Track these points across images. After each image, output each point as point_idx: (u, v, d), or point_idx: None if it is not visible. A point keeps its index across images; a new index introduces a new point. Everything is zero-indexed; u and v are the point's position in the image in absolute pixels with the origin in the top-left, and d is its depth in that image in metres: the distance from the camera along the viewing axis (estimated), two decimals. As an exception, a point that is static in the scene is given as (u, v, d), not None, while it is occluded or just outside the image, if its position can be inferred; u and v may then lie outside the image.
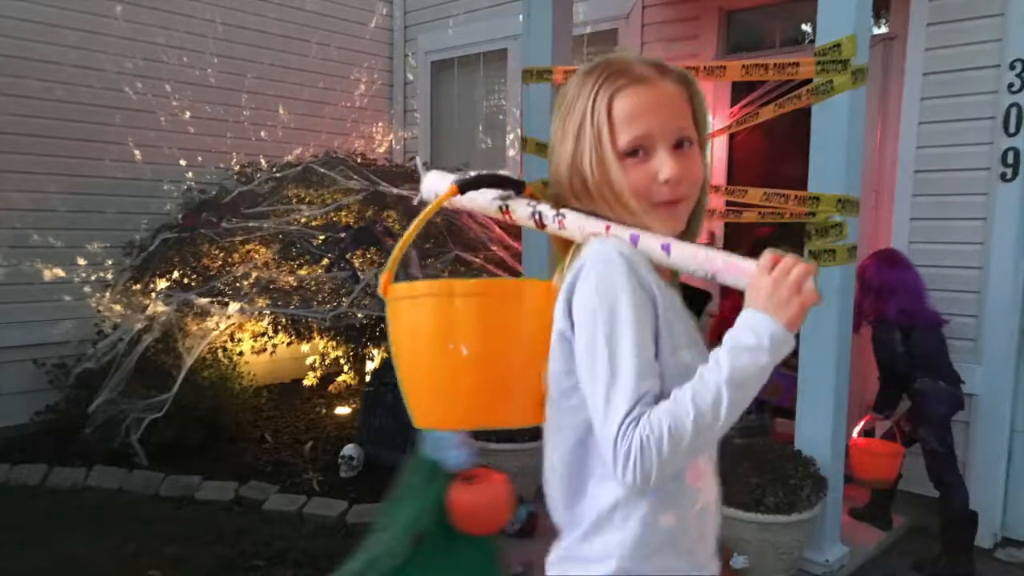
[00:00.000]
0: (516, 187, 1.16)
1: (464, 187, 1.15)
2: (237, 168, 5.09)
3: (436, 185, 1.21)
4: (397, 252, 1.11)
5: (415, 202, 1.18)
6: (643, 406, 0.92)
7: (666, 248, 1.03)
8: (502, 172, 1.18)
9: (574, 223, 1.07)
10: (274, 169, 4.84)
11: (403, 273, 3.85)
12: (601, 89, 1.03)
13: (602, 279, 0.97)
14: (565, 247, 1.10)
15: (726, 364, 0.93)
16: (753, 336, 0.94)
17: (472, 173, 1.17)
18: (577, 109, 1.05)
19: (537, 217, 1.11)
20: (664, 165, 1.02)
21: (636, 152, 1.02)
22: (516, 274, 4.08)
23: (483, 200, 1.17)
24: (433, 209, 1.15)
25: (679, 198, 1.05)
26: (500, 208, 1.15)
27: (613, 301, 0.95)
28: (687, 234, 1.10)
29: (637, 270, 0.98)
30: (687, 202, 1.07)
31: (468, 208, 1.20)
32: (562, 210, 1.08)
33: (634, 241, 1.03)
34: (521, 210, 1.13)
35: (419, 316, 1.05)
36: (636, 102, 1.02)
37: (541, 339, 1.04)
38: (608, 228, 1.04)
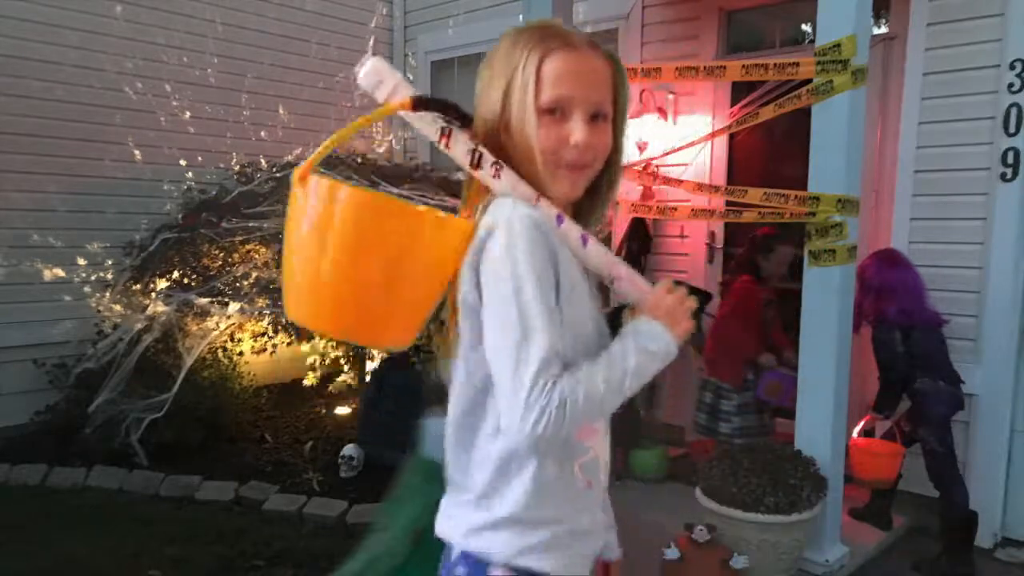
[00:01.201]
0: (465, 122, 1.13)
1: (419, 104, 1.08)
2: (237, 168, 5.08)
3: (384, 79, 1.10)
4: (323, 149, 1.09)
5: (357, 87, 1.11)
6: (556, 366, 1.01)
7: (583, 239, 1.11)
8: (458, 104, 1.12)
9: (508, 181, 1.08)
10: (274, 169, 4.83)
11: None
12: (535, 48, 1.10)
13: (512, 240, 1.02)
14: (481, 193, 1.14)
15: (633, 358, 1.07)
16: (654, 343, 1.09)
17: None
18: (508, 64, 1.11)
19: (475, 157, 1.09)
20: (577, 129, 1.08)
21: (554, 112, 1.08)
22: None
23: (426, 122, 1.11)
24: (382, 115, 1.10)
25: (584, 164, 1.11)
26: (441, 130, 1.10)
27: (523, 263, 1.01)
28: (587, 209, 1.19)
29: (543, 231, 1.05)
30: (588, 171, 1.13)
31: (411, 121, 1.13)
32: (500, 162, 1.09)
33: (558, 221, 1.08)
34: (461, 144, 1.10)
35: (303, 209, 1.07)
36: (564, 66, 1.08)
37: (435, 273, 1.06)
38: (538, 199, 1.08)
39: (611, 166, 1.17)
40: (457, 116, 1.11)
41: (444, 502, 1.24)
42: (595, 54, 1.11)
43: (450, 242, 1.06)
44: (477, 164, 1.09)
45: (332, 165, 4.64)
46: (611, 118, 1.13)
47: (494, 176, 1.08)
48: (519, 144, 1.10)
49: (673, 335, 1.11)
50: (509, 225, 1.02)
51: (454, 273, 1.08)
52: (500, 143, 1.11)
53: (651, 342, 1.09)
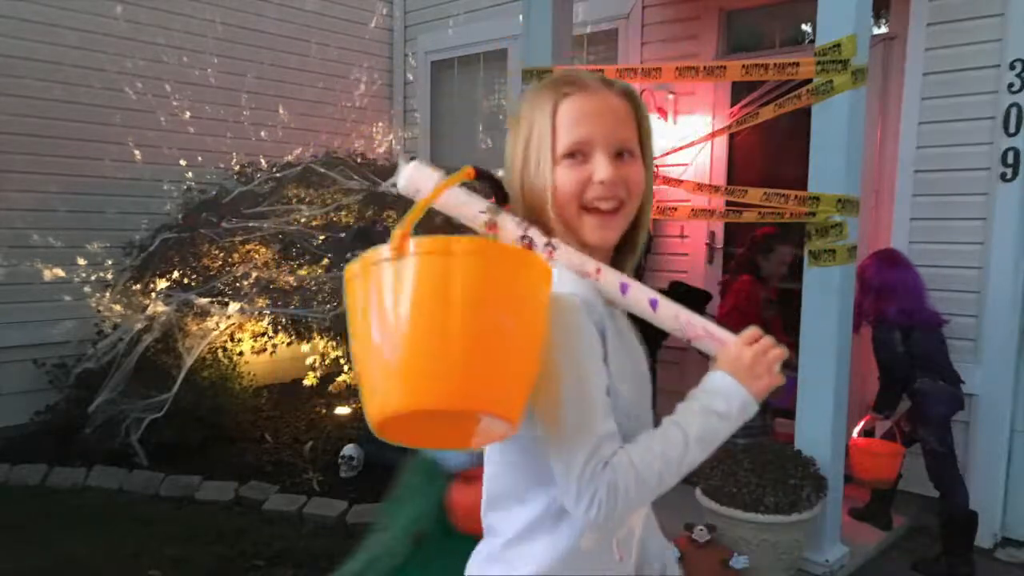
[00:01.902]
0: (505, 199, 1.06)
1: (482, 176, 1.02)
2: (237, 168, 5.08)
3: (420, 178, 1.05)
4: (412, 216, 0.92)
5: (386, 188, 1.08)
6: (608, 447, 0.95)
7: (652, 303, 1.04)
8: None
9: (563, 258, 1.01)
10: (274, 169, 4.84)
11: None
12: (548, 97, 1.06)
13: (562, 324, 0.95)
14: None
15: (696, 424, 0.99)
16: (724, 402, 1.00)
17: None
18: (527, 119, 1.07)
19: (526, 242, 1.01)
20: (600, 167, 1.03)
21: (575, 156, 1.04)
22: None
23: (470, 208, 1.04)
24: (441, 191, 1.00)
25: (614, 201, 1.04)
26: (486, 223, 1.03)
27: (575, 349, 0.96)
28: (625, 252, 1.12)
29: (592, 312, 0.99)
30: (623, 212, 1.06)
31: (449, 212, 1.05)
32: (553, 240, 1.02)
33: (623, 291, 1.02)
34: (509, 228, 1.02)
35: (410, 275, 0.85)
36: (578, 107, 1.04)
37: (537, 322, 0.91)
38: (599, 271, 1.02)
39: (644, 206, 1.10)
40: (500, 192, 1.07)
41: (479, 554, 1.16)
42: (610, 92, 1.06)
43: (543, 287, 0.94)
44: (529, 248, 1.01)
45: (333, 165, 4.64)
46: (638, 153, 1.07)
47: (548, 258, 1.00)
48: (541, 193, 1.05)
49: (751, 392, 1.01)
50: (558, 309, 0.95)
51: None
52: (535, 203, 1.07)
53: (721, 402, 1.00)
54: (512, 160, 1.09)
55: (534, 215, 1.06)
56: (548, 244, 1.01)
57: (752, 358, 1.03)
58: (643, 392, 1.09)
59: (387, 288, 0.85)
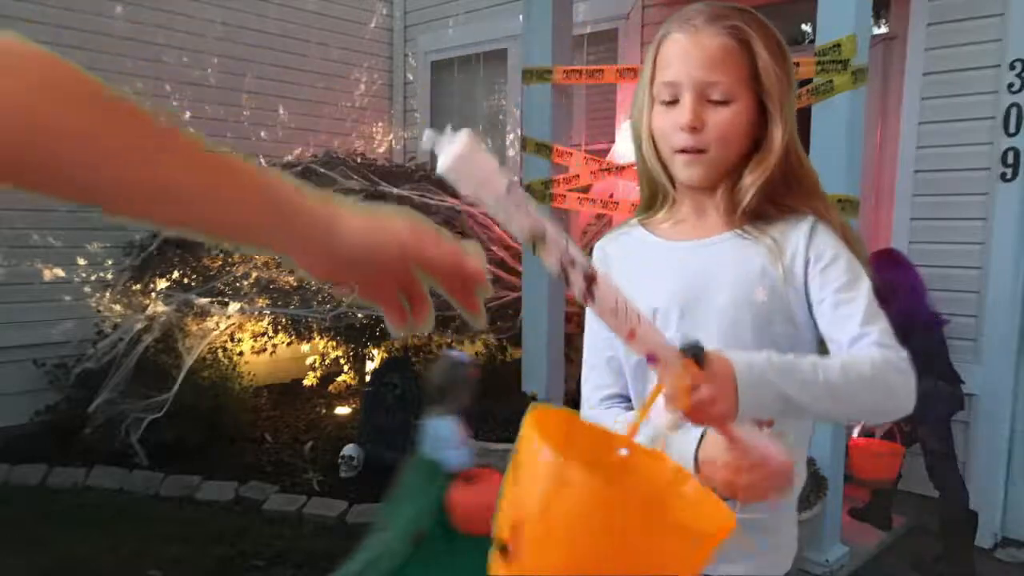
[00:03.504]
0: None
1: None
2: (237, 168, 5.08)
3: (476, 167, 0.73)
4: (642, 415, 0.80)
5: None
6: (588, 400, 1.14)
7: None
8: None
9: (603, 298, 0.77)
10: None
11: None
12: (658, 35, 1.09)
13: None
14: None
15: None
16: None
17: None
18: (646, 57, 1.12)
19: (563, 276, 0.76)
20: (684, 112, 1.04)
21: (670, 100, 1.06)
22: (516, 274, 4.07)
23: (519, 220, 0.74)
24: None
25: (699, 148, 1.05)
26: (530, 239, 0.75)
27: None
28: (728, 198, 1.08)
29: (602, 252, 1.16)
30: (710, 156, 1.05)
31: (497, 217, 0.75)
32: (598, 276, 0.76)
33: (649, 360, 0.80)
34: (553, 254, 0.75)
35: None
36: (672, 49, 1.06)
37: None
38: (632, 333, 0.78)
39: (761, 151, 1.06)
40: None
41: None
42: (711, 30, 1.03)
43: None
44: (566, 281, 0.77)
45: (333, 165, 4.64)
46: (744, 97, 1.04)
47: (585, 301, 0.77)
48: (636, 137, 1.11)
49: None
50: None
51: None
52: (634, 141, 1.14)
53: None
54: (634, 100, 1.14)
55: (643, 163, 1.12)
56: (588, 289, 0.75)
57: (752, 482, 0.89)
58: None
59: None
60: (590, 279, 0.75)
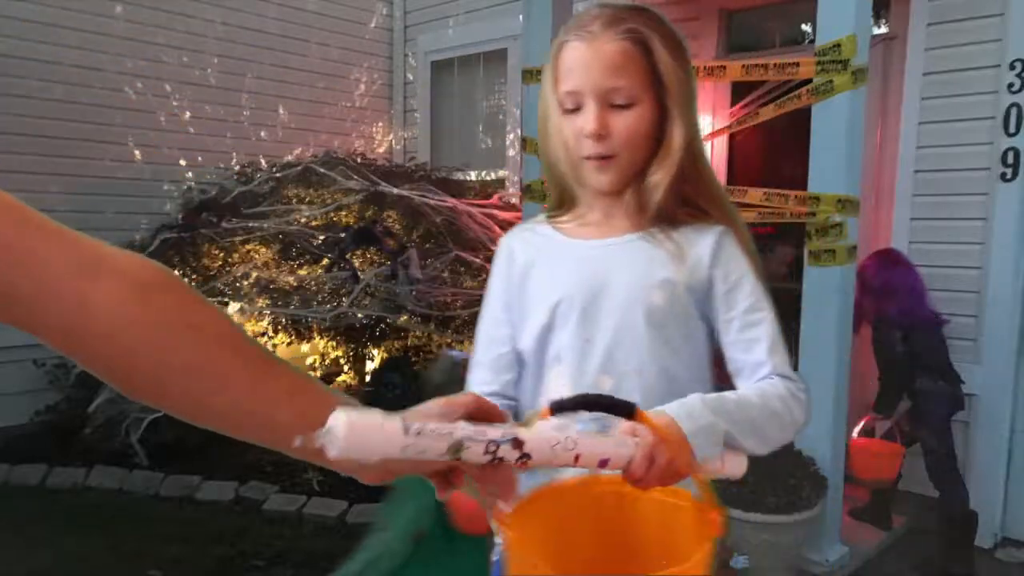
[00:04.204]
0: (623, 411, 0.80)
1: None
2: (237, 168, 5.08)
3: (362, 438, 0.68)
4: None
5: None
6: (474, 374, 1.18)
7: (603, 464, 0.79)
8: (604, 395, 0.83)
9: (540, 458, 0.73)
10: (274, 169, 4.84)
11: (404, 274, 3.85)
12: (555, 45, 1.10)
13: None
14: None
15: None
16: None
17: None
18: (545, 68, 1.11)
19: (496, 461, 0.72)
20: (587, 119, 1.04)
21: (571, 107, 1.06)
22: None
23: (432, 452, 0.69)
24: None
25: (605, 154, 1.05)
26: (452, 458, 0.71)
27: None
28: (636, 200, 1.09)
29: (511, 258, 1.16)
30: (619, 161, 1.06)
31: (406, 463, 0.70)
32: (525, 443, 0.72)
33: (601, 465, 0.78)
34: (476, 452, 0.71)
35: None
36: (571, 57, 1.06)
37: None
38: (577, 459, 0.75)
39: (663, 150, 1.06)
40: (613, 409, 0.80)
41: None
42: (608, 35, 1.03)
43: None
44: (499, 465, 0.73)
45: (333, 165, 4.64)
46: (646, 100, 1.04)
47: (521, 469, 0.74)
48: (551, 151, 1.10)
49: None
50: None
51: None
52: (542, 156, 1.14)
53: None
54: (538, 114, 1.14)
55: (550, 169, 1.12)
56: (522, 454, 0.72)
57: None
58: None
59: None
60: (519, 444, 0.73)
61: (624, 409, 0.78)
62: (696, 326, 1.08)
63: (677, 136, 1.05)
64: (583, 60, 1.04)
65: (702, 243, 1.07)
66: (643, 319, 1.05)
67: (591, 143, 1.04)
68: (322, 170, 4.55)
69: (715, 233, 1.07)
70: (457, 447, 0.71)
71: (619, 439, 0.79)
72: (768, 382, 1.02)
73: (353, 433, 0.68)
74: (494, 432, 0.72)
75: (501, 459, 0.72)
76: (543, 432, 0.74)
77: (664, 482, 0.81)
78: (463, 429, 0.71)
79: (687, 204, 1.09)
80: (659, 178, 1.06)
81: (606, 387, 1.05)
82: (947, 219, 3.53)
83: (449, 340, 4.09)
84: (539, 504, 0.84)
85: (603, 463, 0.78)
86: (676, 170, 1.06)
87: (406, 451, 0.69)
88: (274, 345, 4.61)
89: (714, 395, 0.95)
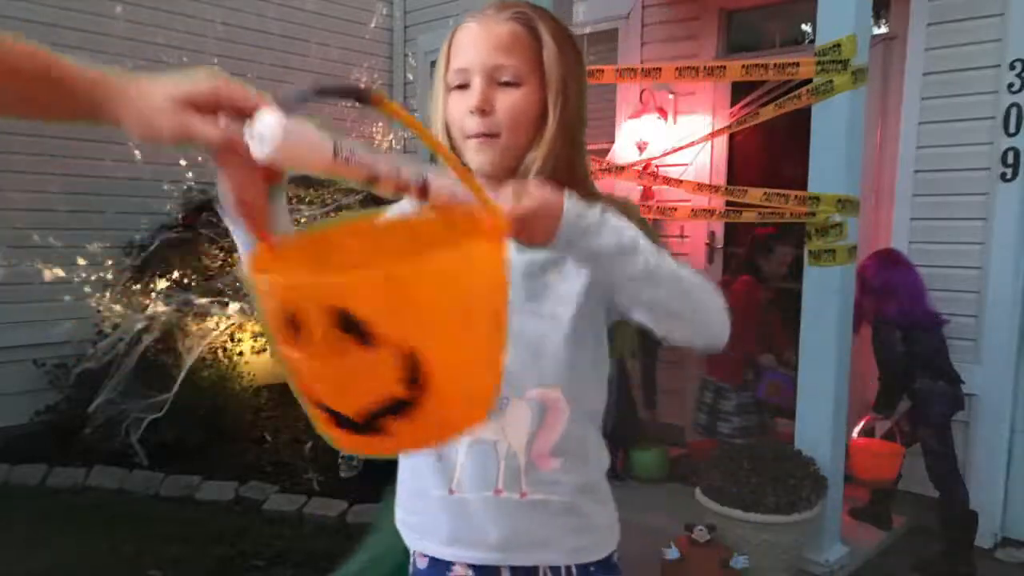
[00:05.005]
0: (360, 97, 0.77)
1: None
2: (237, 168, 5.08)
3: (294, 140, 0.74)
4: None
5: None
6: None
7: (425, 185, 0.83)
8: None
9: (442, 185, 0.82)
10: (274, 169, 4.83)
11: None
12: (451, 31, 1.08)
13: None
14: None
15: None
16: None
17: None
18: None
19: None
20: (473, 95, 1.03)
21: (459, 85, 1.05)
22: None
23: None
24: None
25: (489, 131, 1.03)
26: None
27: None
28: (511, 174, 1.06)
29: None
30: (502, 142, 1.04)
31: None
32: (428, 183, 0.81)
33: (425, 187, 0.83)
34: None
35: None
36: (463, 37, 1.06)
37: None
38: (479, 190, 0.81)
39: (539, 134, 1.04)
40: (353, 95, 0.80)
41: None
42: (501, 18, 1.04)
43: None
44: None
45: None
46: (532, 81, 1.04)
47: (424, 195, 0.82)
48: (439, 125, 1.08)
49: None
50: None
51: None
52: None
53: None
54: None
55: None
56: (424, 187, 0.80)
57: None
58: None
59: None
60: (424, 188, 0.79)
61: (365, 95, 0.76)
62: (594, 302, 1.05)
63: (551, 117, 1.04)
64: (474, 38, 1.05)
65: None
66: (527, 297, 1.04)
67: (475, 120, 1.03)
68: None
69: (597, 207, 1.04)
70: (374, 176, 0.77)
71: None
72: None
73: (287, 140, 0.72)
74: (406, 172, 0.78)
75: (411, 192, 0.79)
76: (442, 175, 0.81)
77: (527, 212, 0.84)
78: (383, 163, 0.77)
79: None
80: (533, 156, 1.05)
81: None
82: (947, 219, 3.53)
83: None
84: (308, 244, 0.84)
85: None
86: (549, 150, 1.04)
87: (327, 171, 0.74)
88: (274, 345, 4.61)
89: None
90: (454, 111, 1.06)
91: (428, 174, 0.80)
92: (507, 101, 1.03)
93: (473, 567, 1.08)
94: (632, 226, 0.93)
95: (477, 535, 1.06)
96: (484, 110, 1.02)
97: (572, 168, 1.07)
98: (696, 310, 0.97)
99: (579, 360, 1.05)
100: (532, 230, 0.86)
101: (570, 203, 0.88)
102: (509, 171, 1.05)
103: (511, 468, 1.04)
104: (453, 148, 1.07)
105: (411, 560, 1.16)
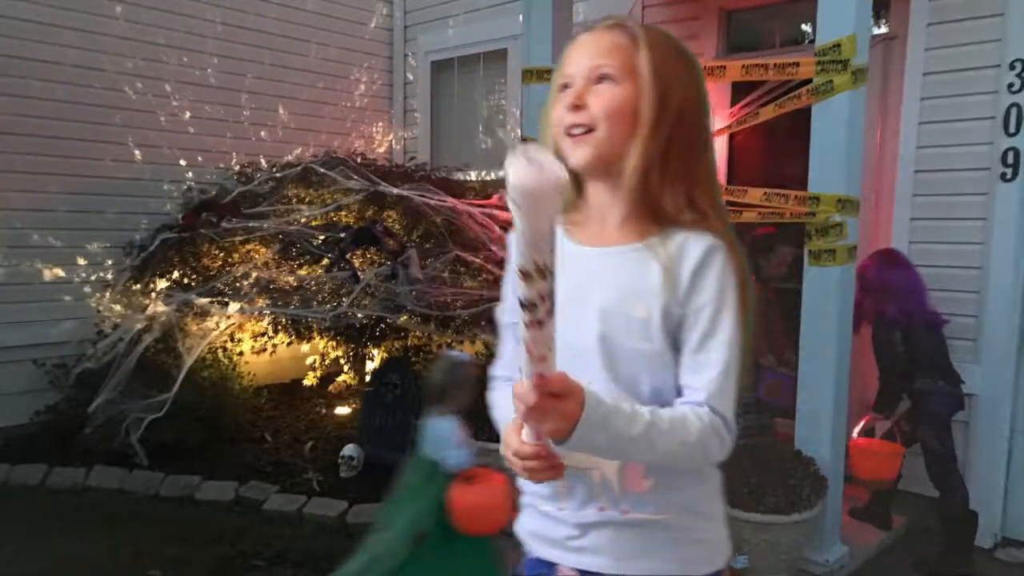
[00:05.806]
0: None
1: None
2: (237, 168, 5.08)
3: (538, 180, 0.80)
4: None
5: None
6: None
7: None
8: None
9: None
10: (274, 169, 4.83)
11: (404, 274, 3.85)
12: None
13: None
14: None
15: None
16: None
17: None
18: None
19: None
20: (570, 93, 1.09)
21: (564, 84, 1.11)
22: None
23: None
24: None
25: (583, 125, 1.07)
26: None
27: None
28: (612, 174, 1.09)
29: None
30: (597, 136, 1.07)
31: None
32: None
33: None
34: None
35: None
36: (571, 48, 1.12)
37: None
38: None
39: (637, 136, 1.06)
40: None
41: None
42: (604, 28, 1.10)
43: None
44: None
45: (332, 165, 4.64)
46: (624, 79, 1.06)
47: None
48: (544, 135, 1.16)
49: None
50: None
51: None
52: None
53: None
54: None
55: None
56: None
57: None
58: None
59: None
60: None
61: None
62: (659, 362, 1.07)
63: (644, 119, 1.05)
64: (579, 47, 1.11)
65: (690, 255, 1.06)
66: (624, 331, 1.07)
67: (570, 115, 1.08)
68: (322, 170, 4.55)
69: (702, 247, 1.06)
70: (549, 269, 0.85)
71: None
72: (696, 410, 1.02)
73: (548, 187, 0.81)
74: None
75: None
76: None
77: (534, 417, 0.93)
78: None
79: (683, 198, 1.08)
80: (632, 157, 1.06)
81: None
82: (947, 219, 3.53)
83: (449, 340, 4.09)
84: None
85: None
86: (643, 152, 1.05)
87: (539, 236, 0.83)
88: (274, 345, 4.62)
89: (630, 408, 1.00)
90: (555, 110, 1.11)
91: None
92: (603, 95, 1.07)
93: (579, 571, 1.13)
94: (641, 425, 0.99)
95: (582, 543, 1.12)
96: (577, 105, 1.07)
97: (686, 175, 1.08)
98: (690, 463, 1.08)
99: (663, 387, 1.09)
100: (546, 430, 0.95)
101: (582, 430, 0.93)
102: (605, 167, 1.09)
103: (608, 491, 1.10)
104: (556, 149, 1.11)
105: (523, 559, 1.23)
